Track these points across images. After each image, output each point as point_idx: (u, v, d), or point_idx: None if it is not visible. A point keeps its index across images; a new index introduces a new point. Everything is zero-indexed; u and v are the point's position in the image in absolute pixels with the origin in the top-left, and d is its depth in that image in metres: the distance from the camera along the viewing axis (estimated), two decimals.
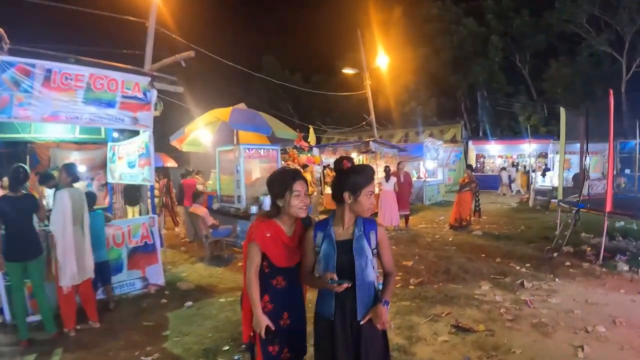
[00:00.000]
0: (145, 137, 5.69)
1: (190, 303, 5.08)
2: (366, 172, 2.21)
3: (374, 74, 17.62)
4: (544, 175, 17.13)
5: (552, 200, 13.28)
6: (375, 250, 2.22)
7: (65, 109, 4.81)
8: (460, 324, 4.32)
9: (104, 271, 4.90)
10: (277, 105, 29.50)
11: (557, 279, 5.80)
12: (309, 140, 14.76)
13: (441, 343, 3.97)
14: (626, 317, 4.39)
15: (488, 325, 4.31)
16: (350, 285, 2.10)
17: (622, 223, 8.67)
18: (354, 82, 21.32)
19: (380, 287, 2.30)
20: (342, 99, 28.69)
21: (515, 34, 25.77)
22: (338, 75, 26.11)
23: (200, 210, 7.36)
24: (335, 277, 2.07)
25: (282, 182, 2.28)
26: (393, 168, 10.49)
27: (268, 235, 2.25)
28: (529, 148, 20.76)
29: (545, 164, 19.29)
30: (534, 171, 16.54)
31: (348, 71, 17.24)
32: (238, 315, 4.56)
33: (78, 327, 4.32)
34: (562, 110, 7.97)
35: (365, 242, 2.18)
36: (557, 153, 19.35)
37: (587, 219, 8.31)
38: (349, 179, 2.17)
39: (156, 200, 10.36)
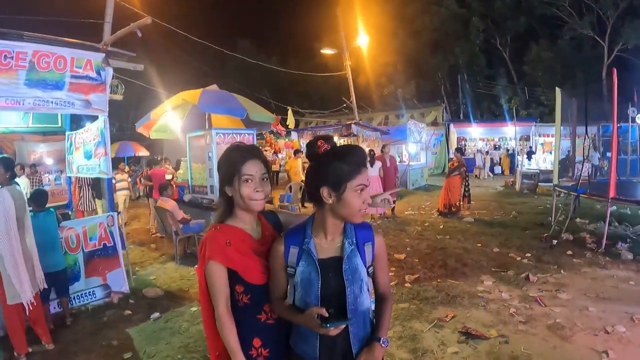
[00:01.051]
0: (100, 122, 4.90)
1: (157, 314, 4.37)
2: (353, 157, 1.46)
3: (353, 56, 16.97)
4: (529, 158, 16.94)
5: (539, 184, 13.06)
6: (371, 269, 1.57)
7: (5, 94, 4.02)
8: (469, 330, 3.84)
9: (61, 282, 4.14)
10: (253, 90, 28.43)
11: (562, 271, 5.40)
12: (287, 123, 14.03)
13: (451, 356, 3.45)
14: None
15: (500, 330, 3.85)
16: (348, 322, 1.46)
17: (614, 207, 8.39)
18: (332, 65, 20.67)
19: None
20: (320, 83, 28.06)
21: (496, 16, 25.54)
22: (315, 59, 25.42)
23: (168, 204, 6.60)
24: (325, 313, 1.39)
25: (228, 162, 1.63)
26: (377, 152, 9.94)
27: (229, 244, 1.59)
28: (511, 131, 20.63)
29: (530, 147, 19.17)
30: (528, 154, 16.28)
31: (327, 51, 16.62)
32: None
33: (30, 349, 3.61)
34: (557, 90, 7.52)
35: (359, 260, 1.53)
36: (539, 136, 19.28)
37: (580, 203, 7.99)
38: (328, 169, 1.46)
39: (125, 193, 9.62)
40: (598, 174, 13.34)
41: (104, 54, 4.81)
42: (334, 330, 1.38)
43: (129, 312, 4.43)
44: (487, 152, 20.98)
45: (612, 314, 4.09)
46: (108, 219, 4.77)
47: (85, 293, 4.60)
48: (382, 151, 10.04)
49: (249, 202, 1.59)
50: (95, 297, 4.65)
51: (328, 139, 1.51)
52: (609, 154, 15.37)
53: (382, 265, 1.61)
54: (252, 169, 1.59)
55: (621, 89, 6.58)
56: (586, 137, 7.12)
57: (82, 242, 4.56)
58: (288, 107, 14.85)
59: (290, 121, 14.09)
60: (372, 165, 9.17)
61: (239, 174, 1.57)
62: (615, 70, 6.08)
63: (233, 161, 1.61)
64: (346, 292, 1.48)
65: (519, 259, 6.02)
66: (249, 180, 1.58)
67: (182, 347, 3.67)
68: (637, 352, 3.39)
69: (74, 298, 4.48)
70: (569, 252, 6.11)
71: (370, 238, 1.57)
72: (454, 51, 26.01)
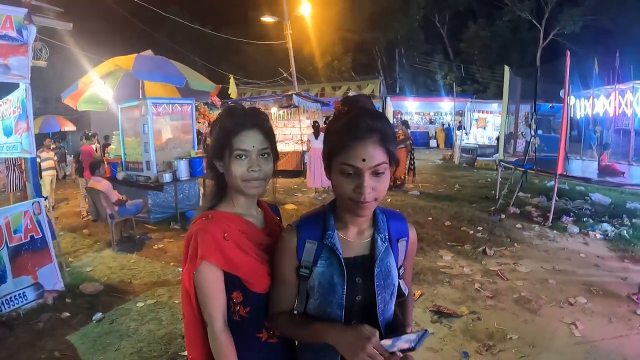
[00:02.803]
0: (21, 92, 4.08)
1: (100, 315, 3.79)
2: (351, 122, 1.06)
3: (291, 27, 16.42)
4: (467, 133, 17.68)
5: (477, 158, 13.67)
6: (402, 270, 1.26)
7: None
8: (440, 308, 3.81)
9: None
10: (185, 59, 26.60)
11: (515, 244, 5.59)
12: (229, 92, 13.22)
13: (429, 338, 3.36)
14: (599, 285, 4.29)
15: (469, 306, 3.87)
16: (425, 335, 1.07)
17: (552, 182, 8.95)
18: (268, 36, 19.91)
19: None
20: (256, 53, 27.00)
21: None
22: (252, 29, 24.21)
23: (101, 184, 5.84)
24: (377, 336, 1.00)
25: (219, 131, 1.25)
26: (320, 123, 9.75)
27: (226, 238, 1.21)
28: (447, 106, 21.37)
29: (460, 122, 19.96)
30: (459, 129, 16.91)
31: (268, 19, 15.86)
32: (164, 327, 3.56)
33: None
34: (506, 69, 7.67)
35: (392, 261, 1.21)
36: (473, 111, 20.14)
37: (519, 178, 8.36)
38: (325, 136, 1.15)
39: (51, 173, 8.55)
40: (530, 149, 14.27)
41: (26, 9, 3.95)
42: (393, 358, 1.00)
43: (67, 314, 3.80)
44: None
45: (571, 286, 4.27)
46: (34, 206, 4.02)
47: (15, 296, 3.83)
48: (325, 123, 9.81)
49: (242, 183, 1.22)
50: (26, 300, 3.90)
51: (351, 101, 1.14)
52: (539, 132, 16.61)
53: (410, 266, 1.33)
54: (247, 142, 1.21)
55: (555, 72, 6.83)
56: (534, 115, 7.34)
57: (5, 236, 3.76)
58: (230, 75, 13.96)
59: (233, 90, 13.26)
60: (316, 137, 9.01)
61: (230, 148, 1.20)
62: (568, 53, 6.26)
63: (224, 129, 1.22)
64: (376, 300, 1.17)
65: (471, 232, 6.15)
66: (243, 157, 1.21)
67: (134, 352, 3.20)
68: (602, 322, 3.54)
69: (1, 303, 3.73)
70: (518, 226, 6.36)
71: (405, 232, 1.25)
72: (393, 26, 26.09)
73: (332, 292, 1.16)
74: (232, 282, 1.22)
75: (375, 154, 1.03)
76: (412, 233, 1.28)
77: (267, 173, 1.26)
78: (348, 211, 1.13)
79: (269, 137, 1.27)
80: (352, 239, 1.19)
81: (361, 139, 1.03)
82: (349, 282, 1.15)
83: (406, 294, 1.31)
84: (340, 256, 1.15)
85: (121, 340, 3.39)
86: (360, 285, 1.17)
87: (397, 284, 1.23)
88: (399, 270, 1.24)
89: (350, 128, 1.05)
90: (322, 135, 8.93)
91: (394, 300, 1.25)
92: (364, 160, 1.02)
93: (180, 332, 3.34)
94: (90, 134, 8.82)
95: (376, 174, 1.05)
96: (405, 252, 1.26)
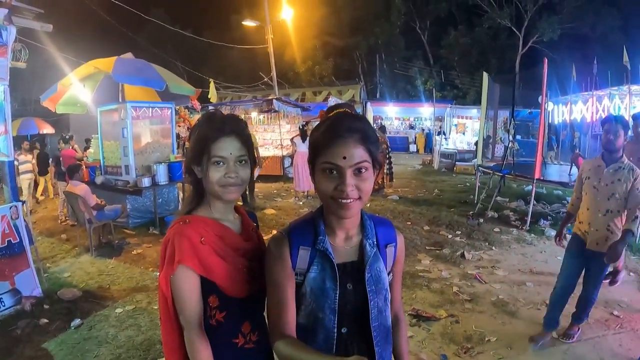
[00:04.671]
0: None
1: (78, 321, 3.73)
2: (332, 123, 1.11)
3: (271, 31, 16.50)
4: (446, 138, 17.97)
5: (456, 163, 13.93)
6: (390, 276, 1.29)
7: None
8: (418, 312, 3.85)
9: None
10: (166, 63, 26.32)
11: (493, 247, 5.71)
12: (209, 96, 13.13)
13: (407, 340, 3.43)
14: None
15: (448, 310, 3.93)
16: None
17: (529, 187, 9.18)
18: (249, 40, 19.89)
19: None
20: (237, 58, 26.94)
21: (418, 0, 26.28)
22: (232, 33, 24.21)
23: (79, 188, 5.73)
24: None
25: (198, 137, 1.27)
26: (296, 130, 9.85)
27: (203, 242, 1.23)
28: (426, 111, 21.68)
29: (440, 127, 20.30)
30: (438, 134, 17.20)
31: (249, 23, 15.87)
32: (143, 333, 3.53)
33: None
34: (485, 75, 7.89)
35: (382, 266, 1.23)
36: (453, 117, 20.50)
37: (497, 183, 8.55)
38: (309, 142, 1.18)
39: (29, 176, 8.37)
40: (508, 154, 14.65)
41: (6, 10, 3.87)
42: None
43: (45, 320, 3.73)
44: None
45: (548, 288, 4.29)
46: (11, 210, 3.95)
47: None
48: (299, 129, 9.89)
49: (219, 188, 1.25)
50: (4, 306, 3.81)
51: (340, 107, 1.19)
52: (518, 136, 17.05)
53: (399, 273, 1.35)
54: (224, 149, 1.24)
55: (533, 78, 7.05)
56: (512, 120, 7.55)
57: None
58: (210, 79, 13.89)
59: (213, 94, 13.19)
60: (303, 141, 9.05)
61: (208, 154, 1.23)
62: (546, 60, 6.47)
63: (203, 136, 1.25)
64: (369, 305, 1.19)
65: (450, 236, 6.26)
66: (220, 163, 1.24)
67: (113, 359, 3.16)
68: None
69: None
70: (496, 230, 6.49)
71: (394, 239, 1.28)
72: (373, 31, 26.38)
73: (325, 297, 1.17)
74: (208, 287, 1.23)
75: (355, 152, 1.06)
76: (400, 239, 1.31)
77: (244, 179, 1.29)
78: (333, 213, 1.15)
79: (247, 144, 1.30)
80: (341, 245, 1.21)
81: (341, 137, 1.06)
82: (341, 287, 1.17)
83: (398, 317, 1.37)
84: (333, 260, 1.16)
85: (100, 347, 3.35)
86: (351, 291, 1.18)
87: (388, 289, 1.25)
88: (388, 275, 1.27)
89: (332, 128, 1.09)
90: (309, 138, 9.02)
91: (389, 306, 1.27)
92: (344, 158, 1.05)
93: (159, 337, 3.30)
94: (67, 136, 8.63)
95: (358, 171, 1.07)
96: (393, 258, 1.28)
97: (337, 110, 1.17)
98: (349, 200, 1.07)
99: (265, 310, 1.26)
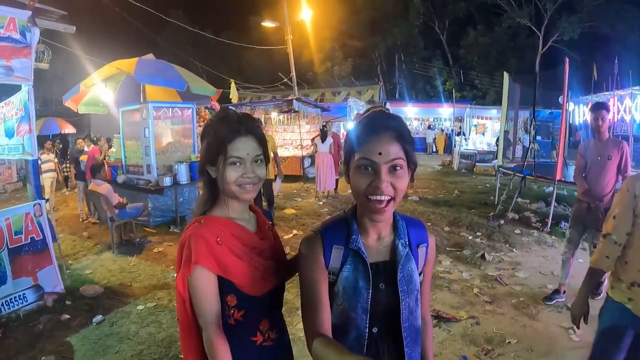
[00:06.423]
0: (23, 94, 4.11)
1: (100, 317, 3.81)
2: (368, 121, 1.11)
3: (291, 32, 16.56)
4: (466, 139, 17.74)
5: (476, 163, 13.71)
6: (421, 276, 1.27)
7: None
8: (439, 313, 3.81)
9: None
10: (186, 63, 26.73)
11: (514, 249, 5.59)
12: (230, 97, 13.26)
13: None
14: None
15: (468, 311, 3.86)
16: None
17: (550, 188, 8.96)
18: (268, 41, 19.99)
19: None
20: (255, 58, 27.14)
21: (436, 0, 26.04)
22: (251, 34, 24.40)
23: (102, 187, 5.86)
24: None
25: (213, 137, 1.26)
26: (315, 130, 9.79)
27: (219, 242, 1.22)
28: (446, 112, 21.43)
29: (460, 128, 20.05)
30: (457, 134, 16.97)
31: (268, 24, 15.97)
32: (164, 330, 3.56)
33: None
34: (505, 75, 7.74)
35: (413, 266, 1.21)
36: (473, 117, 20.23)
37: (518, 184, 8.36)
38: (345, 141, 1.20)
39: (51, 175, 8.57)
40: (528, 155, 14.38)
41: (30, 12, 3.98)
42: None
43: (67, 316, 3.81)
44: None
45: (569, 291, 4.25)
46: (35, 208, 4.05)
47: (15, 297, 3.85)
48: (320, 129, 9.84)
49: (236, 188, 1.24)
50: (26, 301, 3.92)
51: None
52: (538, 138, 16.74)
53: (429, 274, 1.33)
54: (242, 149, 1.24)
55: (553, 78, 6.87)
56: (533, 121, 7.38)
57: (6, 238, 3.78)
58: (231, 80, 14.01)
59: (234, 95, 13.31)
60: (323, 142, 9.04)
61: (225, 154, 1.22)
62: (567, 60, 6.30)
63: (219, 136, 1.24)
64: (400, 305, 1.17)
65: (470, 238, 6.15)
66: (237, 163, 1.23)
67: (134, 355, 3.21)
68: None
69: (1, 305, 3.76)
70: (517, 231, 6.35)
71: (425, 239, 1.27)
72: (392, 31, 26.23)
73: (357, 297, 1.16)
74: (226, 286, 1.23)
75: (391, 149, 1.06)
76: (432, 240, 1.30)
77: (261, 177, 1.29)
78: (366, 214, 1.14)
79: (262, 143, 1.30)
80: (373, 244, 1.20)
81: (376, 134, 1.06)
82: (374, 287, 1.16)
83: (426, 321, 1.34)
84: (366, 259, 1.16)
85: (121, 343, 3.40)
86: (383, 291, 1.17)
87: (419, 289, 1.24)
88: (420, 276, 1.25)
89: (367, 125, 1.09)
90: (329, 139, 9.09)
91: (419, 306, 1.25)
92: (380, 154, 1.05)
93: None
94: (95, 138, 8.84)
95: (393, 169, 1.06)
96: (425, 259, 1.27)
97: (372, 109, 1.16)
98: (383, 197, 1.06)
99: (281, 307, 1.29)
